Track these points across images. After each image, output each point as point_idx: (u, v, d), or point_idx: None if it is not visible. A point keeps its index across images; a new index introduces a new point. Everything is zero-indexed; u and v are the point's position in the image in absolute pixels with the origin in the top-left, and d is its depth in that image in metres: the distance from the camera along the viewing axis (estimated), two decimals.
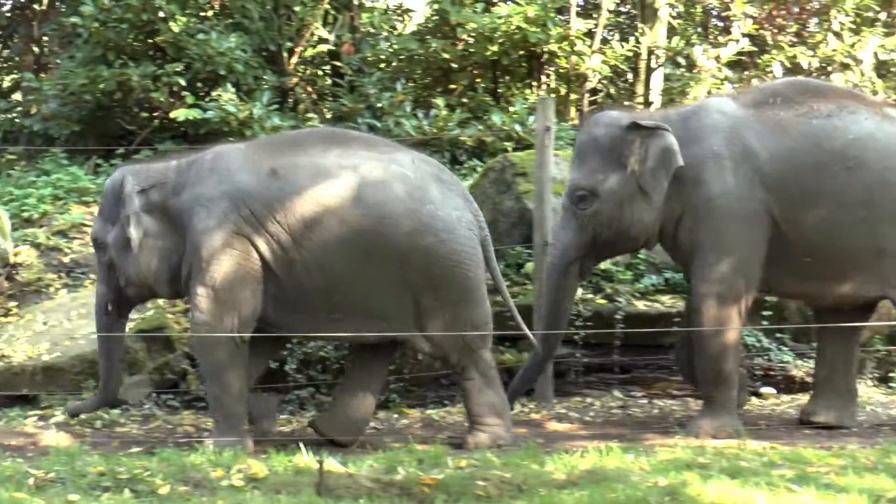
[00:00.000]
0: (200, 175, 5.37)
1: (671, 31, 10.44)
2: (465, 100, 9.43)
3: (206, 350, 5.30)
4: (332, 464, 4.46)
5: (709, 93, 9.48)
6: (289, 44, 9.49)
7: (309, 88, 10.14)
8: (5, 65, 11.89)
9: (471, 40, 9.30)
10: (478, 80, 9.70)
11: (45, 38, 10.48)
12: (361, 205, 5.23)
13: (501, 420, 5.45)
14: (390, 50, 9.68)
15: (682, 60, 10.18)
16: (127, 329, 5.99)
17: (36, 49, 10.50)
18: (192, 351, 5.48)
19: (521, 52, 9.53)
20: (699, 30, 11.15)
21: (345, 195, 5.23)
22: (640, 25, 10.21)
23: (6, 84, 12.02)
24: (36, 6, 10.25)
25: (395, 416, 6.38)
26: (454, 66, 9.53)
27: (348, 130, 6.17)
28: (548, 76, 10.14)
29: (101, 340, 5.71)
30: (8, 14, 11.11)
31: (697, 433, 5.48)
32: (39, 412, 6.11)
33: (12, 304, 6.86)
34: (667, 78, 10.37)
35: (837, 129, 5.76)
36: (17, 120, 9.68)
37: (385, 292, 5.30)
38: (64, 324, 6.51)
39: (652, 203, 5.74)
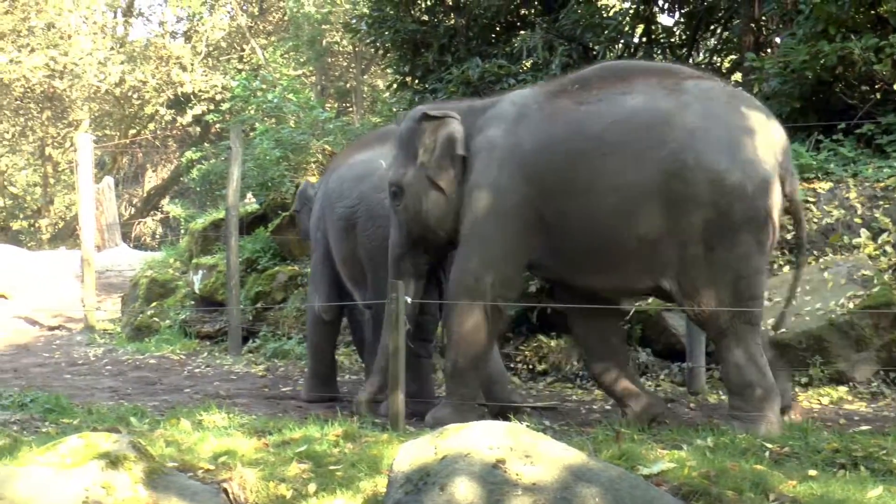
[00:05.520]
0: None
1: None
2: None
3: None
4: None
5: None
6: None
7: None
8: (725, 46, 12.36)
9: None
10: None
11: (764, 18, 10.67)
12: None
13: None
14: None
15: None
16: (853, 304, 6.04)
17: (756, 28, 10.73)
18: None
19: None
20: None
21: None
22: None
23: (726, 64, 12.51)
24: None
25: None
26: None
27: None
28: None
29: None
30: None
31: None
32: None
33: None
34: None
35: (600, 114, 5.28)
36: None
37: None
38: None
39: (442, 194, 5.62)
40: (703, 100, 5.17)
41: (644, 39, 12.19)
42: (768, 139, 5.15)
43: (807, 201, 7.37)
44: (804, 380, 6.38)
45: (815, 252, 7.10)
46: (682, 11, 12.08)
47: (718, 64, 12.62)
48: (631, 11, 11.85)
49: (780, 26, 10.23)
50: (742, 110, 5.19)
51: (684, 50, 12.08)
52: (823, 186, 7.50)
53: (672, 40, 12.24)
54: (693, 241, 5.08)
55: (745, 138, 5.08)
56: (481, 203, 5.47)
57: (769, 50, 10.51)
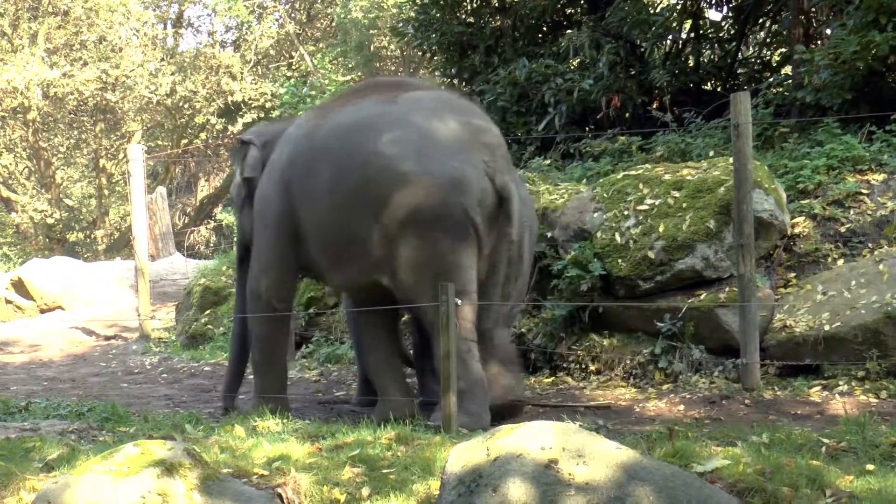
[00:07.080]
0: None
1: None
2: None
3: None
4: None
5: None
6: None
7: None
8: (775, 39, 12.21)
9: None
10: None
11: (813, 10, 10.52)
12: None
13: None
14: None
15: None
16: None
17: (805, 20, 10.58)
18: None
19: None
20: None
21: None
22: None
23: (776, 58, 12.36)
24: None
25: None
26: None
27: None
28: None
29: None
30: None
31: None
32: (823, 381, 6.25)
33: (791, 274, 7.09)
34: None
35: (329, 123, 5.88)
36: (787, 93, 9.91)
37: None
38: (843, 294, 6.54)
39: (244, 210, 6.48)
40: (406, 109, 5.69)
41: (692, 35, 12.08)
42: (470, 141, 5.55)
43: (860, 193, 7.28)
44: (861, 374, 6.24)
45: (869, 244, 7.00)
46: (731, 5, 11.93)
47: (768, 57, 12.49)
48: (678, 7, 11.70)
49: (830, 17, 10.08)
50: (444, 116, 5.65)
51: (733, 44, 11.96)
52: (877, 178, 7.40)
53: (720, 35, 12.11)
54: (394, 241, 5.53)
55: (438, 142, 5.51)
56: (257, 216, 6.25)
57: (819, 42, 10.35)
